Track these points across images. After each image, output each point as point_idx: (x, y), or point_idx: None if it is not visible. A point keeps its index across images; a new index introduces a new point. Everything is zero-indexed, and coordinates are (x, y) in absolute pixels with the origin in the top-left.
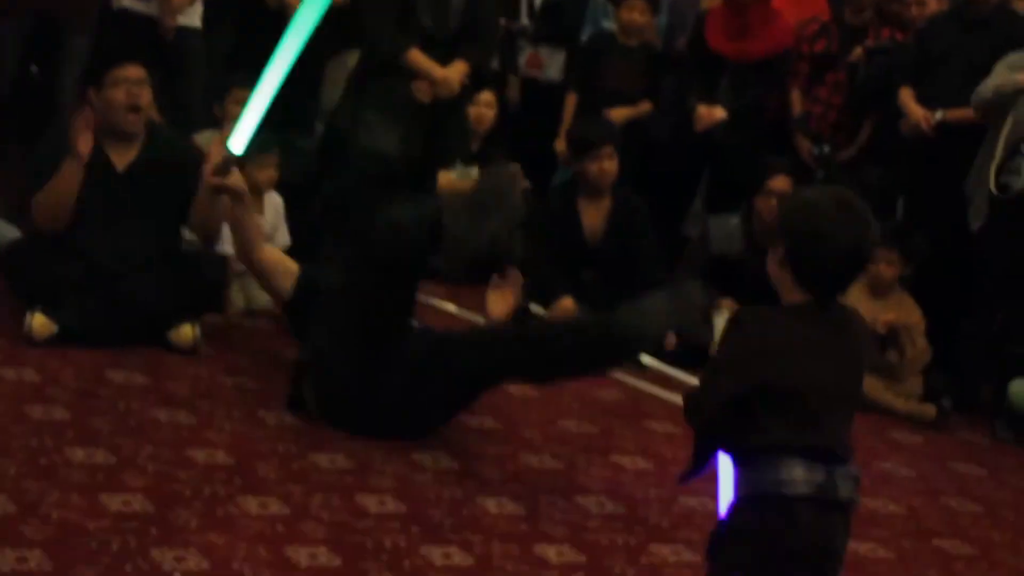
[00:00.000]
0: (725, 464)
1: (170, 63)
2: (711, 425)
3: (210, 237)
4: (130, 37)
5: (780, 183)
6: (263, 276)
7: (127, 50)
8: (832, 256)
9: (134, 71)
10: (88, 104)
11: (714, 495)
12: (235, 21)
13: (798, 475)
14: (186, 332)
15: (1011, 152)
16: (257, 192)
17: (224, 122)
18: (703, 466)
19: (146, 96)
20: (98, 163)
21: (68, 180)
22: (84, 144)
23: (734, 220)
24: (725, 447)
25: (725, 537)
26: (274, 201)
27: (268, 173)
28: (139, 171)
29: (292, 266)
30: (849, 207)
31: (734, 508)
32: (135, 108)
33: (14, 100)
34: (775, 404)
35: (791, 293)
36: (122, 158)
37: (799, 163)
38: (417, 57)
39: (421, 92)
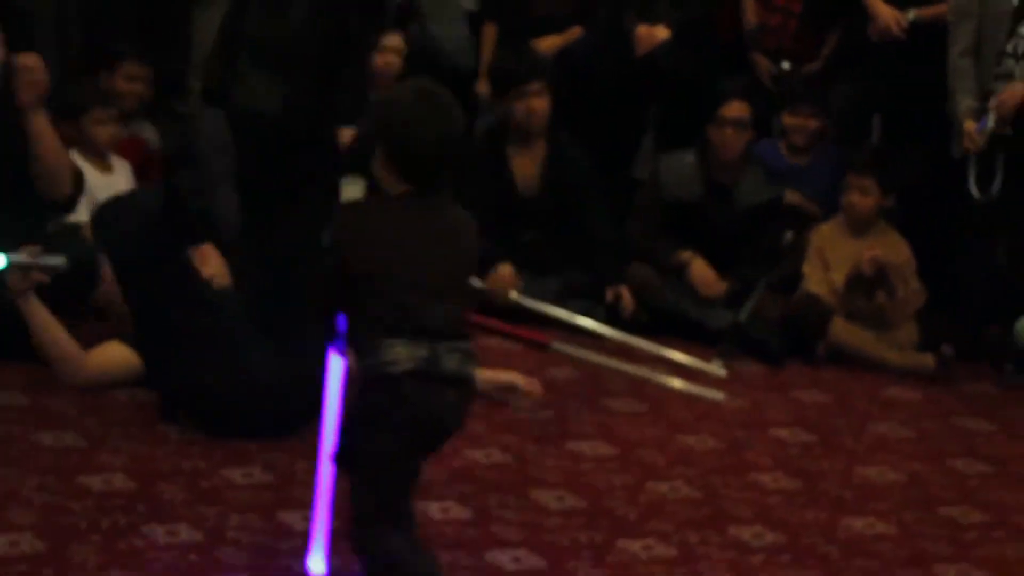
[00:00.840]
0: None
1: None
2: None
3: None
4: None
5: (735, 110)
6: (106, 382)
7: None
8: (418, 145)
9: None
10: None
11: (691, 479)
12: None
13: (400, 353)
14: None
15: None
16: (99, 154)
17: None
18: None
19: None
20: None
21: None
22: None
23: (688, 158)
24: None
25: (345, 428)
26: (124, 167)
27: (107, 129)
28: None
29: (127, 354)
30: (430, 97)
31: (352, 396)
32: None
33: None
34: (372, 289)
35: (395, 187)
36: None
37: (757, 84)
38: None
39: None
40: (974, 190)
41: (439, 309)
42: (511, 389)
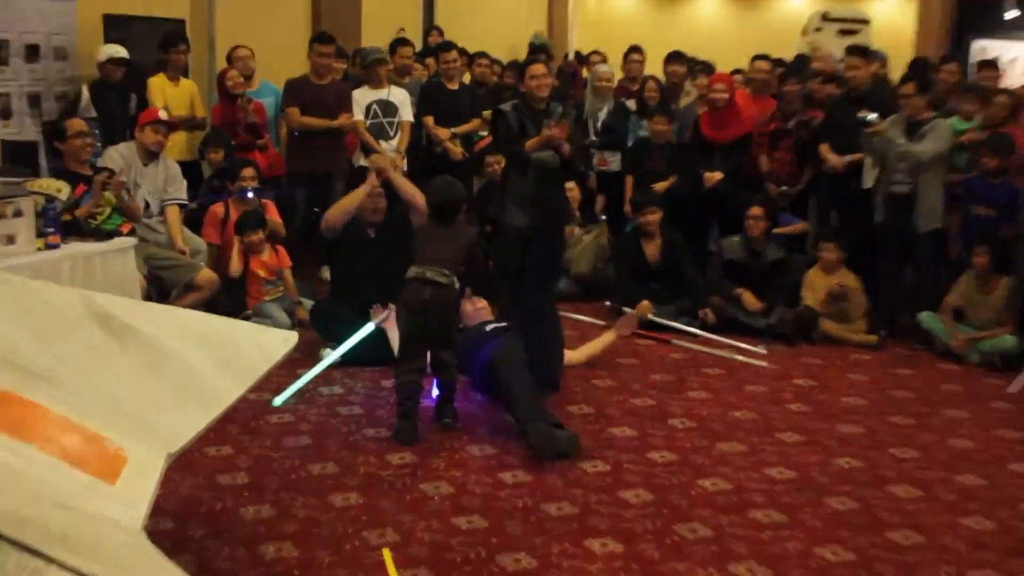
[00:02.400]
0: None
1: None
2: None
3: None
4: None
5: (756, 210)
6: None
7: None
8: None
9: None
10: None
11: (752, 408)
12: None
13: (411, 270)
14: None
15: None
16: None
17: None
18: None
19: (382, 203)
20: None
21: (356, 197)
22: (373, 180)
23: (735, 238)
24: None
25: None
26: None
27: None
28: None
29: None
30: (445, 182)
31: None
32: (375, 211)
33: (304, 235)
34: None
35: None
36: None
37: (770, 199)
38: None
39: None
40: (877, 218)
41: (434, 256)
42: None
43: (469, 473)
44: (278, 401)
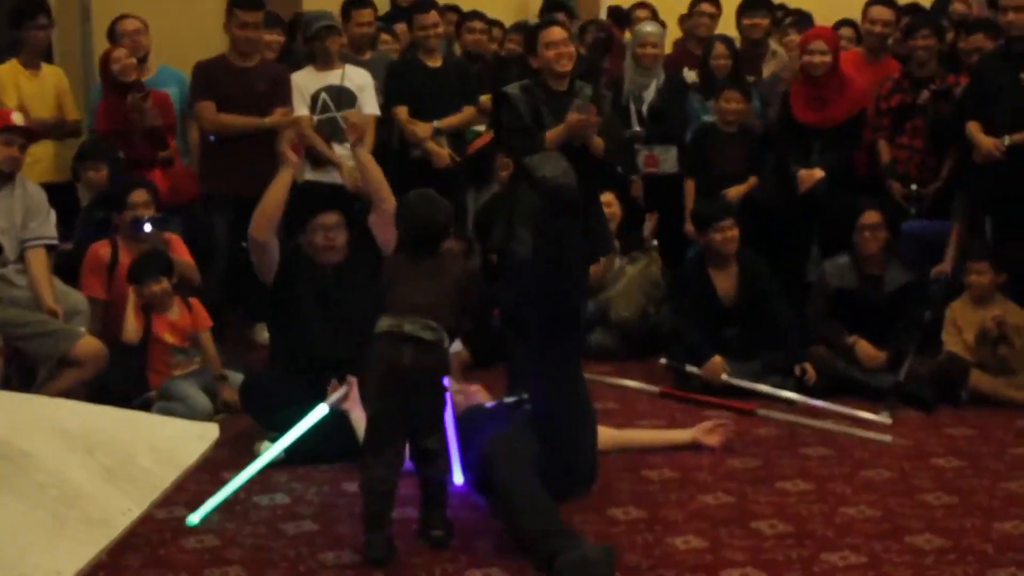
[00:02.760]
0: None
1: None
2: None
3: None
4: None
5: (870, 217)
6: None
7: (323, 202)
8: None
9: (331, 218)
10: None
11: (872, 503)
12: None
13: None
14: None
15: None
16: None
17: None
18: None
19: (341, 238)
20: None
21: (281, 186)
22: (291, 155)
23: (843, 259)
24: None
25: None
26: None
27: None
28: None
29: None
30: (422, 198)
31: None
32: (331, 248)
33: (229, 273)
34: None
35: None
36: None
37: (894, 204)
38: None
39: None
40: None
41: (414, 303)
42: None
43: None
44: (195, 519)
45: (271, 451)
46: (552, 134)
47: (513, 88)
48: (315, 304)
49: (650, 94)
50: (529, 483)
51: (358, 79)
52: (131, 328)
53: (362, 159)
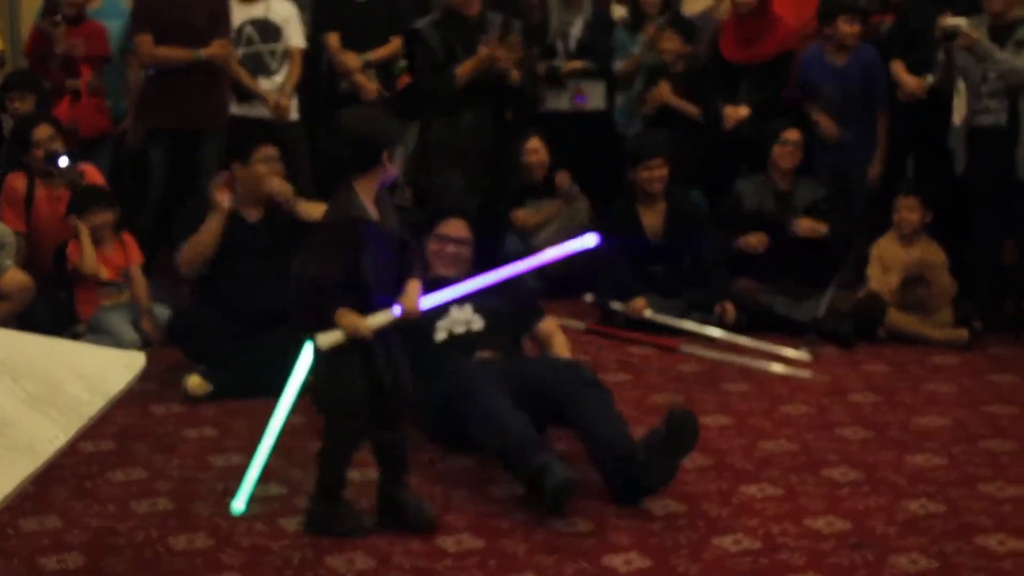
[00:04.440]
0: None
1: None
2: None
3: None
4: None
5: (792, 134)
6: None
7: (262, 136)
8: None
9: (271, 150)
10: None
11: (790, 437)
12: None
13: None
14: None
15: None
16: None
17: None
18: None
19: (280, 169)
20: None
21: (211, 231)
22: (224, 199)
23: (759, 177)
24: None
25: None
26: None
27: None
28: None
29: None
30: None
31: None
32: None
33: (163, 208)
34: None
35: None
36: (252, 216)
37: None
38: None
39: None
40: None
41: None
42: None
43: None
44: (240, 505)
45: (281, 406)
46: (463, 68)
47: (423, 23)
48: (241, 240)
49: (576, 31)
50: (495, 397)
51: (283, 11)
52: (91, 260)
53: (305, 211)
